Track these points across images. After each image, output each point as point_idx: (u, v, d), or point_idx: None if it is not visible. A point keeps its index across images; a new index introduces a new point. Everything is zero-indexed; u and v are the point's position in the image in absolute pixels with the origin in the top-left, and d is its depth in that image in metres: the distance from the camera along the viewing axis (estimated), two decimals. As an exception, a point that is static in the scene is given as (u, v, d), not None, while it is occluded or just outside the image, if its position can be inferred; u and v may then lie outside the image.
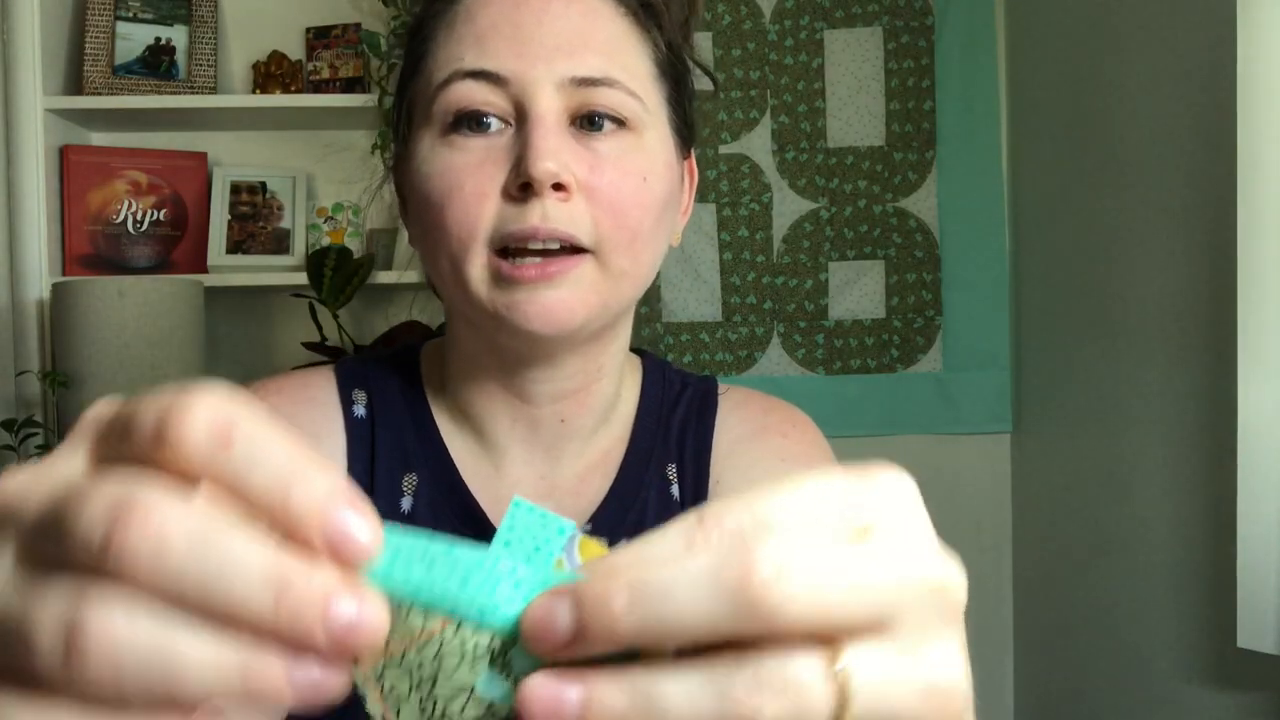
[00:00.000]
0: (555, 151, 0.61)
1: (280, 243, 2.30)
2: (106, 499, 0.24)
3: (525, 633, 0.26)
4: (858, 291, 2.43)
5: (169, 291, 1.96)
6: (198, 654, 0.24)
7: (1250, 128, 1.52)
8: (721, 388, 0.80)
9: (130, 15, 2.23)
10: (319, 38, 2.30)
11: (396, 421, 0.73)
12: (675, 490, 0.74)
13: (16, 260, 2.09)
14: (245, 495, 0.25)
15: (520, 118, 0.63)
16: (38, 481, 0.27)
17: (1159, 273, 1.84)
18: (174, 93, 2.22)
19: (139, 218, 2.26)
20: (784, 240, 2.42)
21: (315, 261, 2.09)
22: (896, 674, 0.26)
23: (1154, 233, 1.86)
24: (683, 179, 0.74)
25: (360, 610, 0.25)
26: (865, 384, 2.41)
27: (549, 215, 0.62)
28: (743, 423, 0.77)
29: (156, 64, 2.24)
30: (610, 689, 0.25)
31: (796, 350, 2.42)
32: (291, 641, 0.24)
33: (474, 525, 0.71)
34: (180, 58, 2.26)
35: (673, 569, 0.25)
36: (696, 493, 0.74)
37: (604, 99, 0.64)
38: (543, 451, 0.73)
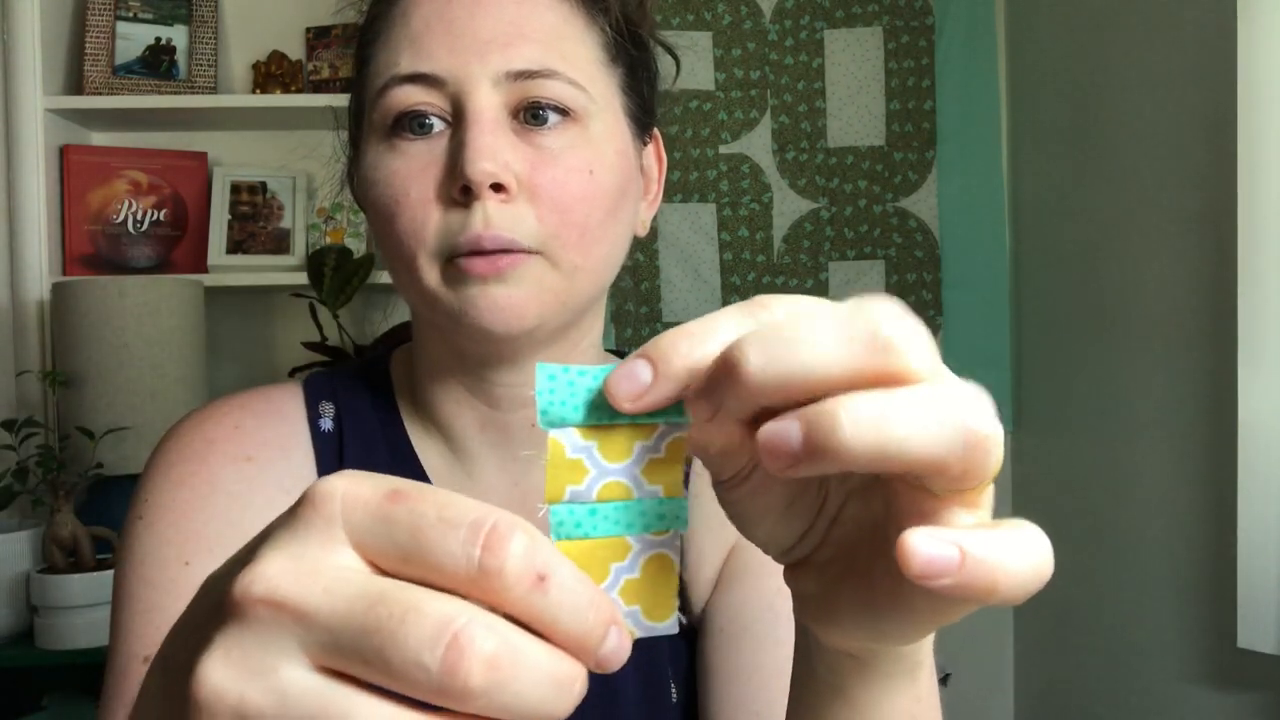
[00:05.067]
0: (493, 150, 0.60)
1: (280, 243, 2.30)
2: (436, 618, 0.25)
3: (611, 389, 0.29)
4: (858, 291, 2.41)
5: (169, 291, 1.96)
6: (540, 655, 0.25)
7: (1250, 128, 1.52)
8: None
9: (130, 15, 2.23)
10: (319, 38, 2.30)
11: (365, 431, 0.71)
12: None
13: (16, 260, 2.09)
14: (550, 633, 0.26)
15: (458, 117, 0.62)
16: (310, 575, 0.26)
17: (1159, 272, 1.84)
18: (174, 93, 2.22)
19: (139, 218, 2.26)
20: (784, 240, 2.42)
21: (315, 261, 2.09)
22: None
23: (1154, 232, 1.85)
24: (644, 166, 0.71)
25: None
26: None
27: (491, 220, 0.60)
28: None
29: (156, 64, 2.24)
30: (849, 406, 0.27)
31: (796, 350, 2.42)
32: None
33: None
34: (180, 58, 2.26)
35: (804, 323, 0.28)
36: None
37: (543, 91, 0.62)
38: (514, 458, 0.71)
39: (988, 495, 0.30)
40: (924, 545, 0.27)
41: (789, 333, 0.28)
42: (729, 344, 0.28)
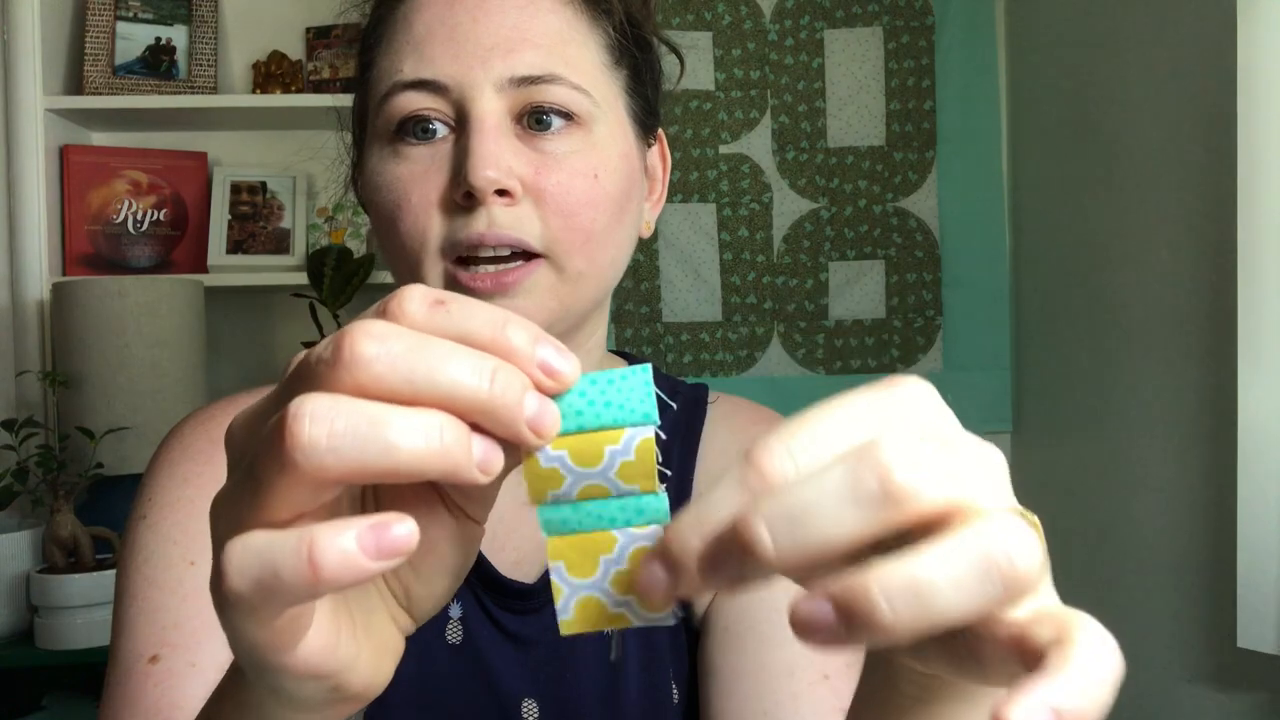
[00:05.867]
0: (496, 157, 0.60)
1: (280, 243, 2.30)
2: (324, 341, 0.30)
3: (643, 595, 0.30)
4: (858, 291, 2.43)
5: (169, 291, 1.96)
6: (397, 421, 0.28)
7: (1250, 128, 1.52)
8: (712, 396, 0.77)
9: (130, 15, 2.23)
10: (319, 38, 2.30)
11: None
12: None
13: (16, 260, 2.09)
14: (466, 336, 0.30)
15: (461, 123, 0.62)
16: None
17: (1159, 272, 1.84)
18: (174, 93, 2.22)
19: (139, 218, 2.26)
20: (784, 240, 2.42)
21: (315, 261, 2.09)
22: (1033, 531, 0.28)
23: (1154, 232, 1.85)
24: (648, 167, 0.71)
25: (543, 404, 0.31)
26: (865, 384, 2.41)
27: (495, 221, 0.60)
28: (730, 433, 0.75)
29: (157, 64, 2.24)
30: (874, 580, 0.27)
31: (797, 350, 2.42)
32: (499, 415, 0.30)
33: None
34: (180, 58, 2.26)
35: (811, 489, 0.27)
36: (677, 509, 0.72)
37: (547, 96, 0.62)
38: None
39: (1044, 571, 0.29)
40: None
41: (799, 505, 0.27)
42: (739, 522, 0.28)
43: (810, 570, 0.29)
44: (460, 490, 0.35)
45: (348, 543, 0.28)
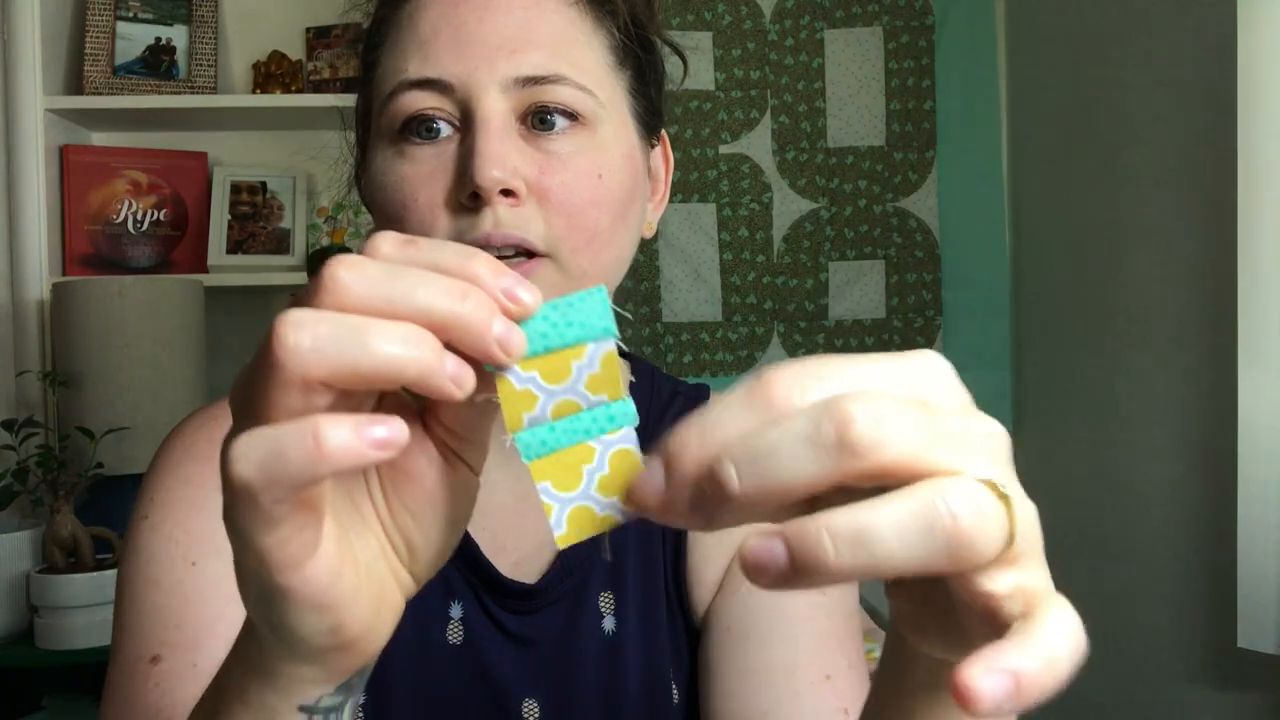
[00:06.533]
0: (501, 157, 0.60)
1: (280, 243, 2.30)
2: (319, 276, 0.32)
3: (635, 494, 0.32)
4: (858, 291, 2.43)
5: (169, 291, 1.96)
6: (376, 327, 0.31)
7: (1250, 128, 1.52)
8: (712, 396, 0.77)
9: (130, 15, 2.23)
10: (319, 38, 2.30)
11: None
12: None
13: (16, 260, 2.09)
14: (435, 267, 0.33)
15: (466, 123, 0.62)
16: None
17: (1159, 272, 1.84)
18: (174, 93, 2.22)
19: (139, 217, 2.26)
20: (784, 240, 2.42)
21: (315, 261, 2.09)
22: (1019, 503, 0.30)
23: (1154, 232, 1.86)
24: (651, 168, 0.71)
25: (509, 326, 0.33)
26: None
27: (501, 221, 0.60)
28: None
29: (157, 64, 2.24)
30: (820, 524, 0.28)
31: (797, 350, 2.42)
32: (470, 331, 0.32)
33: None
34: (180, 58, 2.26)
35: (777, 431, 0.29)
36: None
37: (552, 96, 0.62)
38: (519, 455, 0.70)
39: (1020, 550, 0.30)
40: (983, 686, 0.27)
41: (764, 446, 0.29)
42: (712, 460, 0.30)
43: (774, 511, 0.31)
44: (454, 434, 0.37)
45: (348, 427, 0.30)
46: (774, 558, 0.29)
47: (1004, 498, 0.29)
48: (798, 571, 0.28)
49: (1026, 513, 0.30)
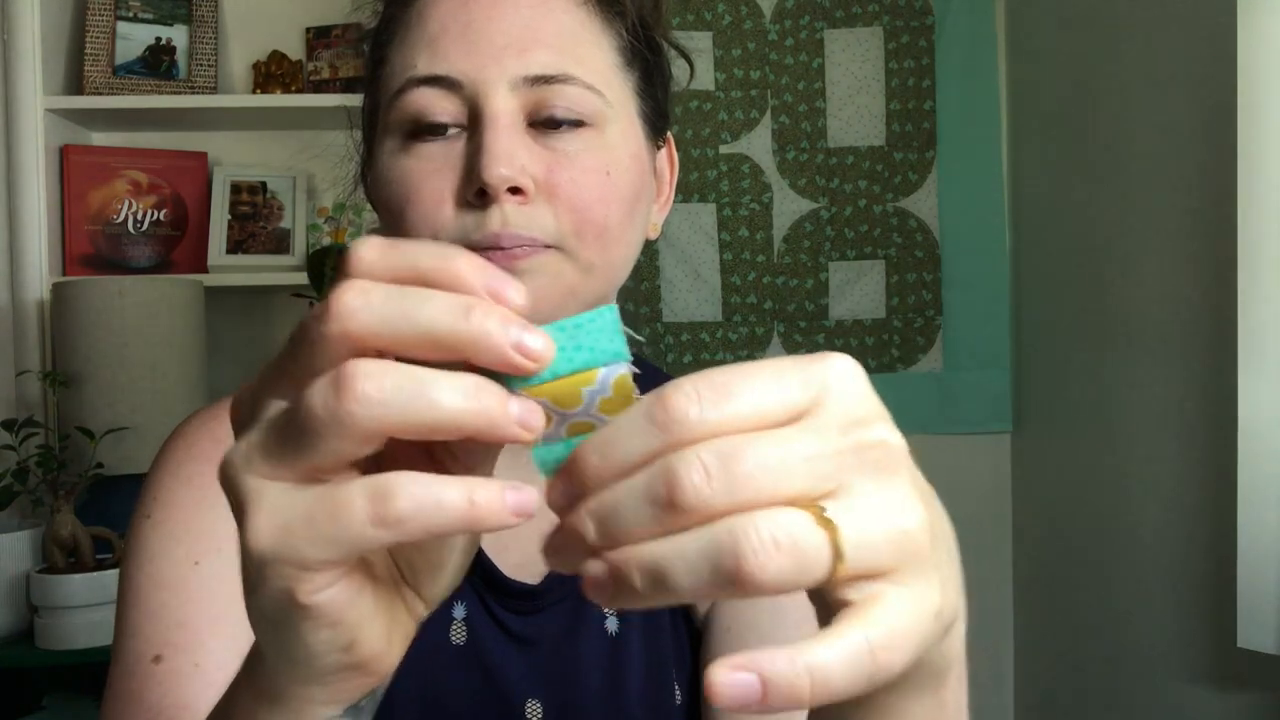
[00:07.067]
0: (509, 154, 0.60)
1: (280, 243, 2.30)
2: (326, 301, 0.32)
3: (547, 498, 0.33)
4: (858, 291, 2.43)
5: (169, 291, 1.96)
6: (441, 375, 0.31)
7: (1250, 128, 1.52)
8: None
9: (130, 15, 2.22)
10: (319, 38, 2.30)
11: None
12: None
13: (16, 260, 2.09)
14: (417, 273, 0.33)
15: (474, 120, 0.62)
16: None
17: (1159, 272, 1.84)
18: (174, 93, 2.22)
19: (139, 218, 2.26)
20: (784, 240, 2.42)
21: (315, 261, 2.09)
22: (867, 523, 0.30)
23: (1154, 232, 1.86)
24: (657, 169, 0.72)
25: (525, 331, 0.32)
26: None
27: (509, 220, 0.60)
28: None
29: (157, 64, 2.24)
30: (619, 558, 0.30)
31: (797, 350, 2.42)
32: (493, 347, 0.32)
33: None
34: (180, 58, 2.25)
35: (621, 490, 0.31)
36: None
37: (559, 96, 0.62)
38: (519, 453, 0.70)
39: (862, 566, 0.30)
40: (725, 681, 0.29)
41: (611, 503, 0.31)
42: (572, 515, 0.32)
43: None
44: (465, 466, 0.37)
45: (495, 491, 0.32)
46: (602, 580, 0.31)
47: (826, 523, 0.30)
48: (619, 594, 0.31)
49: (872, 530, 0.30)
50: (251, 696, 0.39)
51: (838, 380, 0.32)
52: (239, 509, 0.33)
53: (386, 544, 0.31)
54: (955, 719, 0.39)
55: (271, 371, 0.34)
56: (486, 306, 0.32)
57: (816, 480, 0.30)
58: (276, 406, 0.33)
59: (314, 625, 0.34)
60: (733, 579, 0.29)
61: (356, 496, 0.31)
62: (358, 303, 0.32)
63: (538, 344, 0.32)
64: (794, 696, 0.28)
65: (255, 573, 0.33)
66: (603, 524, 0.31)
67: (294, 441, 0.32)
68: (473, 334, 0.32)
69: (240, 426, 0.35)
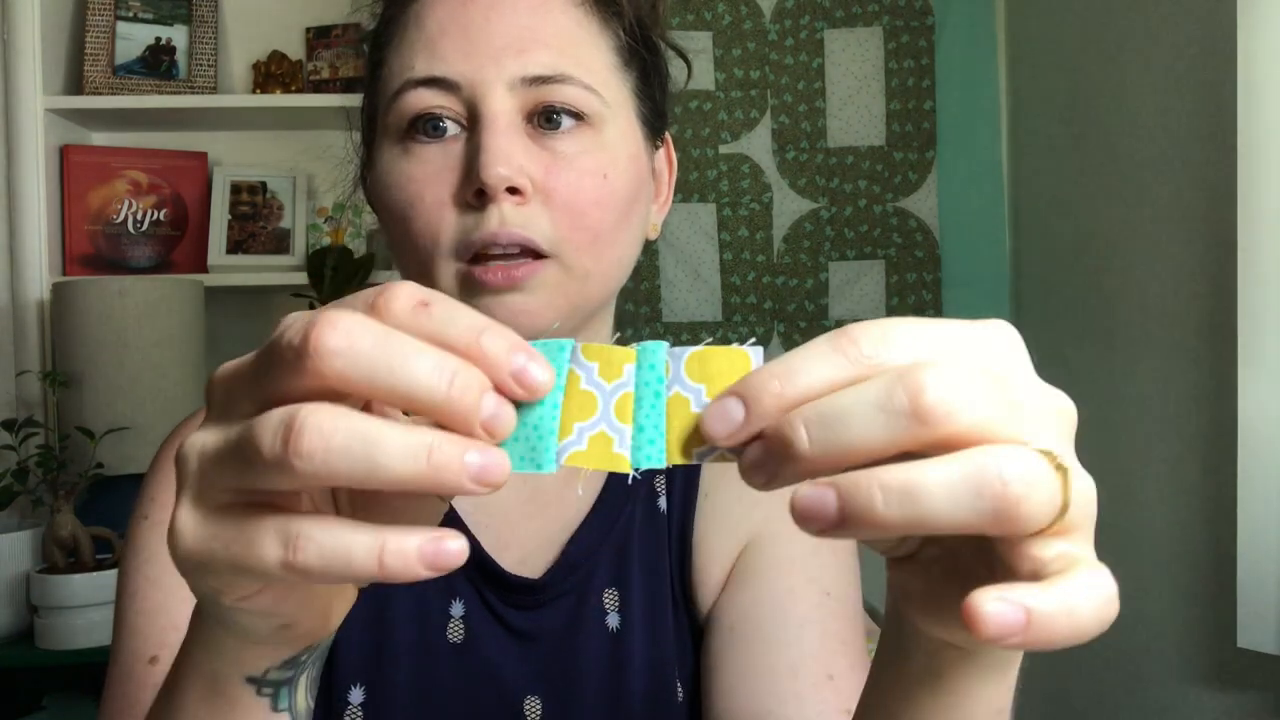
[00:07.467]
0: (508, 155, 0.60)
1: (280, 243, 2.30)
2: (302, 320, 0.31)
3: (707, 427, 0.31)
4: (858, 291, 2.43)
5: (169, 291, 1.96)
6: (393, 435, 0.30)
7: (1250, 128, 1.52)
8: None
9: (130, 15, 2.22)
10: (319, 38, 2.30)
11: None
12: (663, 503, 0.73)
13: (16, 260, 2.09)
14: (445, 342, 0.31)
15: (473, 121, 0.62)
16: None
17: (1159, 272, 1.84)
18: (174, 93, 2.22)
19: (139, 218, 2.26)
20: (784, 240, 2.42)
21: (316, 261, 2.09)
22: (1079, 481, 0.30)
23: (1154, 232, 1.86)
24: (655, 170, 0.72)
25: (500, 406, 0.31)
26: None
27: (506, 219, 0.60)
28: None
29: (157, 64, 2.24)
30: (875, 481, 0.29)
31: (796, 350, 2.41)
32: (454, 416, 0.30)
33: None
34: (180, 58, 2.26)
35: (850, 396, 0.30)
36: (685, 506, 0.73)
37: (558, 96, 0.62)
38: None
39: (1073, 522, 0.30)
40: (992, 610, 0.28)
41: (836, 409, 0.30)
42: (782, 420, 0.30)
43: (835, 472, 0.31)
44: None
45: (409, 545, 0.31)
46: (824, 507, 0.29)
47: (1061, 469, 0.29)
48: (846, 522, 0.29)
49: (1083, 487, 0.30)
50: (192, 641, 0.40)
51: (1009, 340, 0.32)
52: (176, 499, 0.33)
53: (299, 584, 0.31)
54: (1009, 701, 0.40)
55: (248, 367, 0.34)
56: (466, 379, 0.31)
57: (1038, 427, 0.30)
58: (239, 414, 0.33)
59: (246, 615, 0.35)
60: (995, 507, 0.28)
61: (269, 539, 0.31)
62: (340, 345, 0.30)
63: (504, 420, 0.32)
64: (1052, 633, 0.28)
65: (180, 568, 0.33)
66: (824, 429, 0.29)
67: (238, 466, 0.31)
68: (451, 410, 0.31)
69: (209, 408, 0.35)
